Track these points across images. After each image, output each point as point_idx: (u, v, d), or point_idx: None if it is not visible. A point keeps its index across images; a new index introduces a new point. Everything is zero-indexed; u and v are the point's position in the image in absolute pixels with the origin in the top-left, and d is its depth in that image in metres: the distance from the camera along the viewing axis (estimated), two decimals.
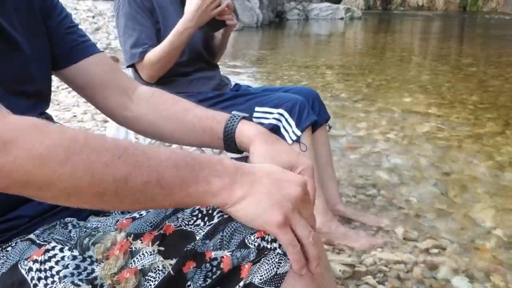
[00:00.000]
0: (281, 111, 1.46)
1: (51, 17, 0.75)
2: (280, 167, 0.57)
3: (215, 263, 0.53)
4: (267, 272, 0.52)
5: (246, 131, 0.71)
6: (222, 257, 0.53)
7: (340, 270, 1.36)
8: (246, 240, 0.53)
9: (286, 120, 1.46)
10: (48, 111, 0.75)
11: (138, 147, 0.49)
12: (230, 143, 0.72)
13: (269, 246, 0.53)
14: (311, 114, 1.49)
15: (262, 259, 0.52)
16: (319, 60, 5.77)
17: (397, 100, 3.53)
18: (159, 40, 1.55)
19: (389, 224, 1.64)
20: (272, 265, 0.52)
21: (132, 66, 1.57)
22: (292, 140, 1.45)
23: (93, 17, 8.58)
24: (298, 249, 0.52)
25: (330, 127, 1.72)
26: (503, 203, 1.83)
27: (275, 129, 1.46)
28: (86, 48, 0.79)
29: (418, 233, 1.59)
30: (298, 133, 1.45)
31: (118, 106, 0.80)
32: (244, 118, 0.73)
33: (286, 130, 1.46)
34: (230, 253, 0.52)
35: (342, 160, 2.29)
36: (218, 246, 0.53)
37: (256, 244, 0.53)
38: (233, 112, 0.74)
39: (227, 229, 0.54)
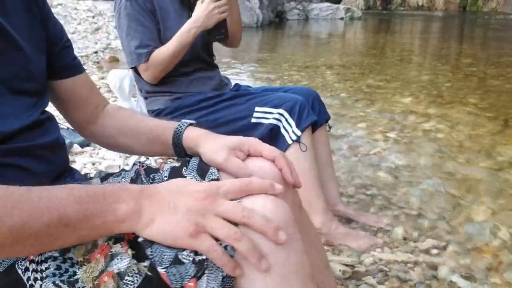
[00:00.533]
0: (281, 111, 1.46)
1: (49, 20, 0.76)
2: (188, 180, 0.58)
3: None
4: (215, 280, 0.51)
5: (191, 135, 0.75)
6: (158, 273, 0.52)
7: (340, 270, 1.36)
8: (180, 256, 0.52)
9: (286, 120, 1.46)
10: (49, 110, 0.76)
11: (35, 191, 0.48)
12: (179, 149, 0.76)
13: (204, 257, 0.52)
14: (311, 114, 1.49)
15: (206, 271, 0.51)
16: (319, 60, 5.77)
17: (397, 100, 3.53)
18: (159, 40, 1.55)
19: (389, 224, 1.64)
20: (215, 272, 0.52)
21: (134, 67, 1.58)
22: (292, 140, 1.45)
23: (93, 17, 8.59)
24: (219, 252, 0.51)
25: (330, 127, 1.71)
26: (503, 203, 1.83)
27: (275, 129, 1.46)
28: (78, 65, 0.83)
29: (418, 233, 1.59)
30: (298, 133, 1.45)
31: (87, 121, 0.84)
32: (191, 124, 0.76)
33: (286, 130, 1.46)
34: (165, 269, 0.51)
35: (342, 160, 2.29)
36: (152, 261, 0.52)
37: (191, 259, 0.51)
38: (182, 120, 0.77)
39: (156, 245, 0.53)
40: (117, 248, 0.55)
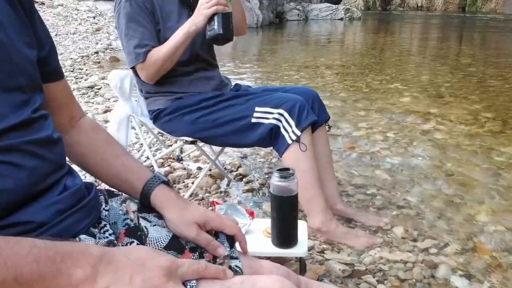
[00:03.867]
0: (281, 111, 1.46)
1: (34, 21, 0.74)
2: (149, 249, 0.60)
3: None
4: None
5: (160, 195, 0.77)
6: None
7: (339, 269, 1.37)
8: None
9: (286, 120, 1.46)
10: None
11: None
12: (145, 201, 0.77)
13: None
14: (311, 114, 1.50)
15: None
16: (319, 60, 5.78)
17: (396, 100, 3.54)
18: (159, 40, 1.56)
19: (389, 223, 1.65)
20: None
21: (133, 67, 1.58)
22: (292, 140, 1.45)
23: (94, 17, 8.61)
24: None
25: (330, 127, 1.72)
26: (502, 202, 1.83)
27: (275, 129, 1.47)
28: (61, 71, 0.82)
29: (418, 232, 1.59)
30: (298, 133, 1.45)
31: (60, 129, 0.80)
32: (163, 182, 0.78)
33: (286, 130, 1.46)
34: None
35: (342, 159, 2.29)
36: None
37: None
38: (156, 173, 0.78)
39: None
40: None
